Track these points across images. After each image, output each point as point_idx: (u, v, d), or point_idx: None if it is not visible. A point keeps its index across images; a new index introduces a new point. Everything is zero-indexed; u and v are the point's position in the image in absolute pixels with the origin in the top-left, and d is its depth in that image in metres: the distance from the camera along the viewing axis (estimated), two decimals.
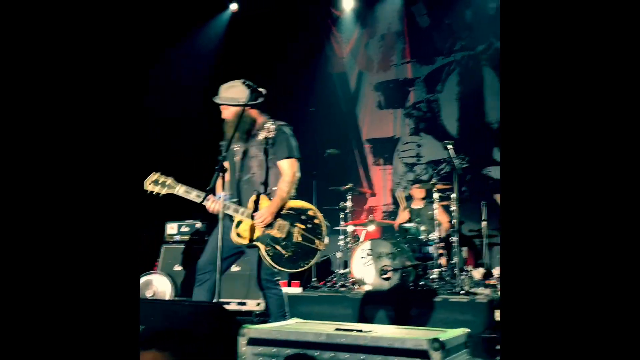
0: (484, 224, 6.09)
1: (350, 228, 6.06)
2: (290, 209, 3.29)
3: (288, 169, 3.31)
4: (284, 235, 3.22)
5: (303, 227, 3.26)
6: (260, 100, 3.35)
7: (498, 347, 4.30)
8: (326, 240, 3.27)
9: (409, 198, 6.73)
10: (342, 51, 8.48)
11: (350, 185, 6.05)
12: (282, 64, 8.28)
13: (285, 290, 5.67)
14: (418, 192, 6.50)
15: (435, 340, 1.96)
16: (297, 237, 3.24)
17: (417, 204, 6.53)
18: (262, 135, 3.35)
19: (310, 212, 3.30)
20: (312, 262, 3.25)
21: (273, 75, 7.99)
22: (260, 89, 3.30)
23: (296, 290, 5.62)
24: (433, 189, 5.72)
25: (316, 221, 3.28)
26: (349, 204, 5.99)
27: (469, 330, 2.34)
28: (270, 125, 3.37)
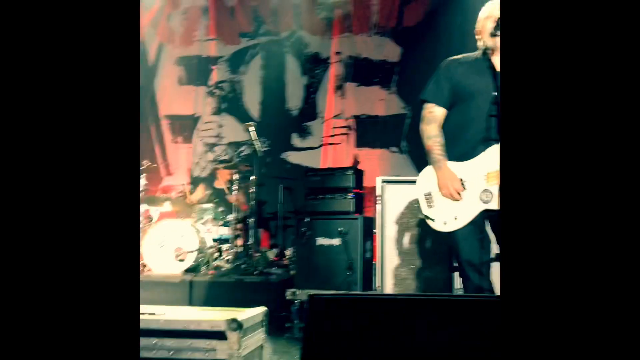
0: (279, 206, 6.26)
1: (142, 207, 5.71)
2: None
3: None
4: None
5: None
6: None
7: (288, 324, 4.46)
8: None
9: (212, 178, 6.61)
10: (142, 20, 7.93)
11: (144, 162, 5.70)
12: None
13: None
14: (224, 174, 6.41)
15: (233, 320, 1.91)
16: None
17: (219, 185, 6.44)
18: None
19: None
20: None
21: None
22: None
23: None
24: (234, 171, 5.69)
25: None
26: (142, 182, 5.64)
27: (266, 308, 2.35)
28: None
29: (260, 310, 2.30)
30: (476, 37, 2.84)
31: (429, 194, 2.80)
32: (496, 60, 2.71)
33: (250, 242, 5.52)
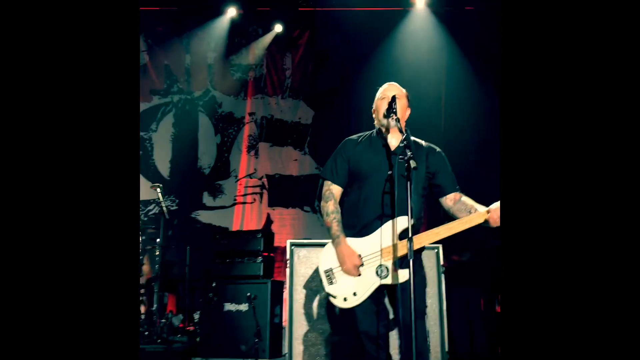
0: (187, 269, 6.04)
1: None
2: None
3: None
4: None
5: None
6: None
7: None
8: None
9: None
10: None
11: None
12: None
13: None
14: None
15: None
16: None
17: None
18: None
19: None
20: None
21: None
22: None
23: None
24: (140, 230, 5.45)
25: None
26: None
27: None
28: None
29: None
30: (373, 116, 2.96)
31: (330, 270, 2.82)
32: (390, 138, 2.84)
33: (154, 307, 5.25)
